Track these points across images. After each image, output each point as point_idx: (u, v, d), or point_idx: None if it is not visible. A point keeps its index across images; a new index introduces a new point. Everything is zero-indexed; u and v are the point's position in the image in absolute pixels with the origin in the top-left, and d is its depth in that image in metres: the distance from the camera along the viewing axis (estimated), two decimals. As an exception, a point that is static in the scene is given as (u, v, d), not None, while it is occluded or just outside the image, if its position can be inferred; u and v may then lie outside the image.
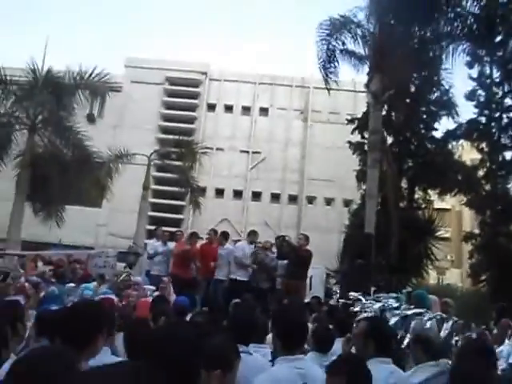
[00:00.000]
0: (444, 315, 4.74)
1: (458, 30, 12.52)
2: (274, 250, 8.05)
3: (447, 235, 20.18)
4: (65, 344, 1.83)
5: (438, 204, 17.96)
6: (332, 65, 12.31)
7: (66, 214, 15.64)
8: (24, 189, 13.91)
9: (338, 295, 6.78)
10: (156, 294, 6.88)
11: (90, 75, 14.64)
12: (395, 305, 4.49)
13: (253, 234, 8.66)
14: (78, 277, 8.86)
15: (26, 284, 6.70)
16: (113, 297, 5.36)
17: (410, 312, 3.94)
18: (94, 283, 7.68)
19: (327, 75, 12.34)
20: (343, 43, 12.29)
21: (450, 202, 24.77)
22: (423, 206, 15.62)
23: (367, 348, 2.73)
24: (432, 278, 22.58)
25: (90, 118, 24.10)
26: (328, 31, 11.97)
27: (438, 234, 14.27)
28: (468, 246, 22.84)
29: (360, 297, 4.62)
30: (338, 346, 3.13)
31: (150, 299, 5.32)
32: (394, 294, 5.96)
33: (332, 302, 6.61)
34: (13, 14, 51.70)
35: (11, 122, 14.18)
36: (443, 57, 14.19)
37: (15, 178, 14.15)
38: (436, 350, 2.57)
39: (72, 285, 7.97)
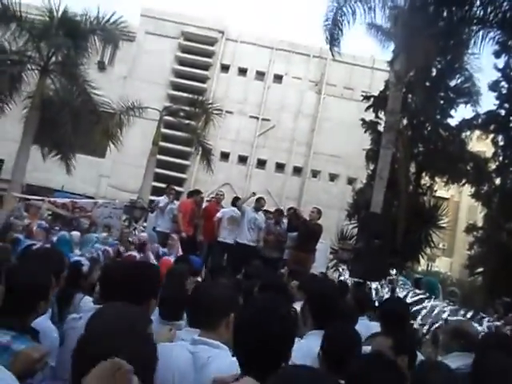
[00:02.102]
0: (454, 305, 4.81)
1: (490, 16, 12.12)
2: (284, 220, 8.04)
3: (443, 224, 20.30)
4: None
5: (439, 192, 17.95)
6: (337, 31, 11.87)
7: (71, 162, 15.54)
8: (31, 131, 13.73)
9: (347, 273, 6.83)
10: (163, 250, 6.93)
11: (108, 21, 14.20)
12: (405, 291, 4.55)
13: (260, 201, 8.60)
14: (83, 224, 8.89)
15: (35, 228, 6.69)
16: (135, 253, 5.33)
17: (437, 303, 3.95)
18: (103, 234, 7.67)
19: (331, 41, 11.90)
20: (353, 12, 11.79)
21: (449, 191, 24.82)
22: (427, 192, 15.59)
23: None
24: (421, 263, 22.88)
25: (101, 66, 23.68)
26: None
27: (439, 222, 14.31)
28: (461, 237, 23.04)
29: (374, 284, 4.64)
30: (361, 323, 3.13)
31: (171, 258, 5.30)
32: (403, 278, 6.03)
33: (342, 278, 6.67)
34: None
35: (23, 60, 13.83)
36: (471, 42, 13.82)
37: (23, 120, 13.95)
38: (473, 344, 2.57)
39: (77, 233, 7.98)
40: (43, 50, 13.66)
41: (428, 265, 27.86)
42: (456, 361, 2.37)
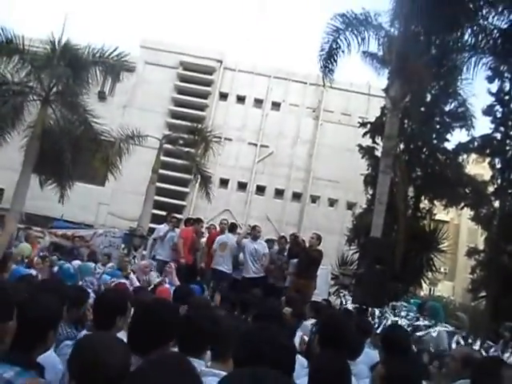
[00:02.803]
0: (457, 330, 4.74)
1: (481, 43, 12.44)
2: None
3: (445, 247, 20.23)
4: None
5: (438, 215, 17.96)
6: (331, 61, 12.16)
7: (68, 191, 15.57)
8: (32, 160, 13.78)
9: (351, 299, 6.74)
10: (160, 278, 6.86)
11: (110, 54, 14.50)
12: (410, 316, 4.49)
13: (255, 228, 8.57)
14: (83, 253, 8.85)
15: (36, 258, 6.66)
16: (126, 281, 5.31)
17: (442, 328, 3.90)
18: (110, 264, 7.63)
19: (325, 70, 12.18)
20: (348, 43, 12.11)
21: (449, 214, 24.82)
22: (426, 216, 15.60)
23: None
24: (423, 288, 22.67)
25: (101, 96, 24.05)
26: (339, 25, 11.82)
27: (440, 246, 14.26)
28: (463, 261, 22.89)
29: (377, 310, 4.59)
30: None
31: (167, 286, 5.26)
32: (406, 304, 5.96)
33: (349, 306, 6.58)
34: (30, -17, 51.11)
35: (25, 91, 14.03)
36: (464, 68, 14.12)
37: (24, 149, 14.04)
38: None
39: (78, 262, 7.93)
40: (44, 80, 13.88)
41: (430, 289, 27.59)
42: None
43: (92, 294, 3.46)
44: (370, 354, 3.25)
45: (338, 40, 12.14)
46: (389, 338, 3.02)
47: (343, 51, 12.24)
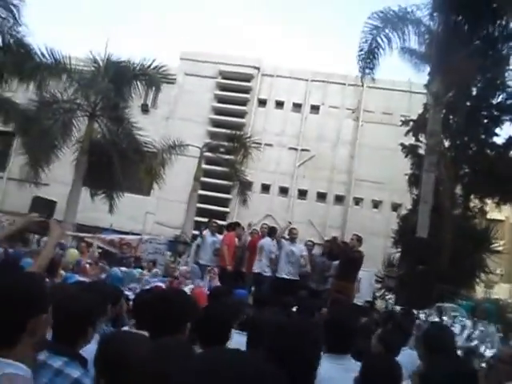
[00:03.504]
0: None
1: (529, 29, 11.87)
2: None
3: (499, 248, 19.26)
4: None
5: (491, 214, 17.11)
6: (372, 60, 11.92)
7: (117, 201, 16.25)
8: (81, 173, 14.56)
9: (394, 301, 6.58)
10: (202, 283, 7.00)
11: (149, 66, 15.08)
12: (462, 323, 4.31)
13: (292, 231, 8.58)
14: (130, 261, 9.18)
15: (87, 265, 6.98)
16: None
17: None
18: (155, 270, 7.88)
19: (364, 70, 11.95)
20: (389, 40, 11.84)
21: (504, 213, 23.55)
22: (477, 215, 14.92)
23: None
24: (478, 290, 21.63)
25: (144, 108, 24.93)
26: (377, 24, 11.60)
27: (493, 246, 13.59)
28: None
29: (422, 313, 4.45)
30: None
31: (205, 289, 5.37)
32: (453, 306, 5.74)
33: (390, 308, 6.44)
34: (79, 8, 53.85)
35: (73, 108, 14.86)
36: (509, 58, 13.49)
37: (74, 163, 14.84)
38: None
39: (124, 269, 8.23)
40: (90, 96, 14.63)
41: (486, 292, 26.26)
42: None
43: (131, 296, 3.61)
44: (411, 355, 3.17)
45: (378, 38, 11.96)
46: (430, 337, 2.93)
47: (384, 49, 12.05)
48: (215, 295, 4.15)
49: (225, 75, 26.20)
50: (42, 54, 13.88)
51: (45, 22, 31.76)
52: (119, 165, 14.55)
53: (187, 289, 6.09)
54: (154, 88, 16.39)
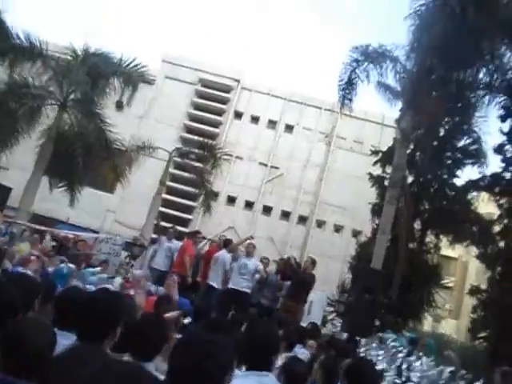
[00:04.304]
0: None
1: (496, 82, 12.48)
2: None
3: (450, 284, 19.89)
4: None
5: (445, 251, 17.72)
6: (350, 91, 12.32)
7: (78, 195, 15.78)
8: (44, 162, 14.07)
9: (340, 327, 6.66)
10: (161, 289, 6.85)
11: (129, 64, 14.88)
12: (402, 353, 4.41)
13: (249, 246, 8.56)
14: (81, 258, 8.89)
15: (32, 257, 6.72)
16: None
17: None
18: (98, 268, 7.66)
19: (343, 99, 12.35)
20: (367, 74, 12.30)
21: (457, 251, 24.45)
22: (432, 250, 15.41)
23: None
24: (426, 324, 22.21)
25: (119, 105, 24.49)
26: (357, 57, 12.02)
27: (442, 282, 14.05)
28: (469, 299, 22.48)
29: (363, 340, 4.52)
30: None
31: (155, 297, 5.26)
32: (394, 336, 5.87)
33: (334, 332, 6.51)
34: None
35: (44, 95, 14.42)
36: (477, 106, 14.14)
37: (37, 150, 14.34)
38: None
39: (72, 266, 7.96)
40: (63, 86, 14.25)
41: (433, 326, 26.98)
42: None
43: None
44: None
45: (357, 71, 12.33)
46: (353, 373, 2.91)
47: (362, 81, 12.43)
48: (157, 304, 4.08)
49: (204, 83, 26.23)
50: (18, 36, 13.47)
51: (24, 6, 30.92)
52: (84, 159, 14.17)
53: (143, 296, 5.95)
54: (131, 86, 16.15)
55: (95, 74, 14.46)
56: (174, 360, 1.53)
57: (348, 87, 12.33)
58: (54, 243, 10.76)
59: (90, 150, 14.30)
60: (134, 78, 15.19)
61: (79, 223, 20.09)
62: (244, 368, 2.62)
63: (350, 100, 12.47)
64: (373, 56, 12.42)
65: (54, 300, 2.53)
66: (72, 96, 14.49)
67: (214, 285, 7.96)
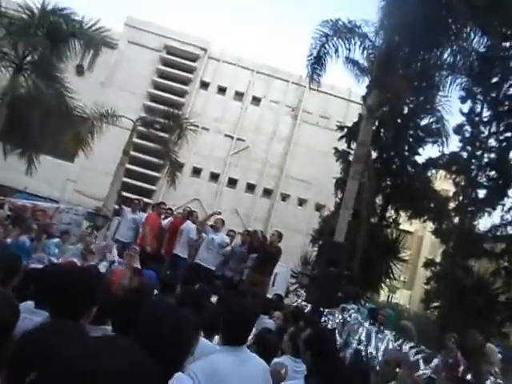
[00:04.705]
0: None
1: (459, 64, 12.78)
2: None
3: (406, 257, 20.76)
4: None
5: (403, 226, 18.42)
6: (319, 66, 12.33)
7: (35, 163, 15.14)
8: (-2, 127, 13.34)
9: (304, 298, 6.85)
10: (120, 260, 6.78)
11: (90, 26, 14.13)
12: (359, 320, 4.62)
13: (217, 222, 8.61)
14: (41, 229, 8.60)
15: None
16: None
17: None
18: (57, 239, 7.45)
19: (312, 74, 12.36)
20: (336, 49, 12.31)
21: (414, 225, 25.48)
22: (392, 225, 15.96)
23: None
24: (381, 294, 23.21)
25: (79, 70, 23.40)
26: (327, 31, 11.97)
27: (401, 255, 14.65)
28: (423, 271, 23.69)
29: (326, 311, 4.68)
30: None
31: (123, 268, 5.20)
32: (356, 307, 6.11)
33: (298, 303, 6.70)
34: None
35: (-3, 56, 13.53)
36: (441, 86, 14.47)
37: (-9, 115, 13.55)
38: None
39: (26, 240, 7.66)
40: (20, 47, 13.41)
41: (388, 296, 28.30)
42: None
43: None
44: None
45: (326, 45, 12.26)
46: (313, 342, 3.01)
47: (331, 56, 12.39)
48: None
49: (170, 50, 25.40)
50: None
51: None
52: (41, 125, 13.53)
53: (103, 266, 5.87)
54: (92, 50, 15.39)
55: (54, 36, 13.66)
56: (141, 334, 1.52)
57: (317, 62, 12.29)
58: (9, 213, 10.33)
59: (49, 115, 13.66)
60: (95, 41, 14.47)
61: (38, 192, 19.35)
62: (216, 338, 2.65)
63: (319, 75, 12.45)
64: (342, 31, 12.38)
65: (20, 273, 2.44)
66: (29, 58, 13.66)
67: (181, 255, 7.97)
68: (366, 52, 13.05)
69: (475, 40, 12.76)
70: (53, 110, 13.64)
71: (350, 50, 12.64)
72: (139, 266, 6.32)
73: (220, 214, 8.50)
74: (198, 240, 8.08)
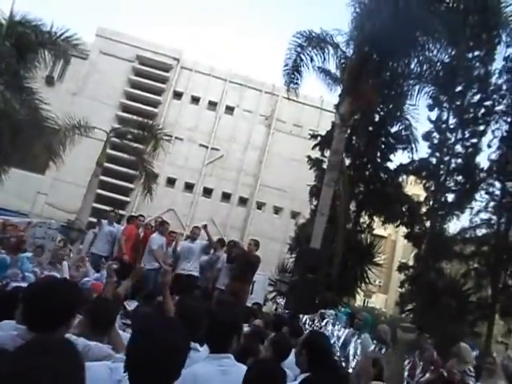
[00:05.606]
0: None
1: (426, 73, 13.25)
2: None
3: (380, 261, 21.11)
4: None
5: (377, 230, 18.79)
6: (296, 75, 12.57)
7: (3, 176, 14.73)
8: (-36, 140, 12.93)
9: (284, 305, 6.90)
10: (98, 275, 6.67)
11: (60, 36, 13.92)
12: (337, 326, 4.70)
13: (194, 230, 8.65)
14: (14, 244, 8.36)
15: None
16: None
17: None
18: (30, 254, 7.27)
19: (289, 84, 12.59)
20: (311, 59, 12.59)
21: (387, 230, 26.03)
22: (366, 230, 16.25)
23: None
24: (357, 299, 23.50)
25: (49, 81, 22.98)
26: (302, 42, 12.23)
27: (375, 259, 14.90)
28: (397, 275, 24.17)
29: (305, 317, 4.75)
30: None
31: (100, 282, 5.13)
32: (334, 312, 6.20)
33: (279, 311, 6.73)
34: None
35: (-38, 67, 13.16)
36: (409, 94, 14.93)
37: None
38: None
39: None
40: (-14, 58, 13.08)
41: (364, 300, 28.69)
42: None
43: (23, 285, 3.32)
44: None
45: (302, 56, 12.51)
46: (312, 343, 3.11)
47: (307, 66, 12.65)
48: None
49: (142, 61, 25.28)
50: None
51: None
52: (10, 137, 13.17)
53: (85, 281, 5.77)
54: (62, 60, 15.15)
55: (22, 46, 13.38)
56: (134, 349, 1.53)
57: (293, 72, 12.51)
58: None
59: (18, 127, 13.33)
60: (65, 51, 14.24)
61: (7, 206, 18.75)
62: (201, 347, 2.67)
63: (296, 84, 12.68)
64: (316, 42, 12.65)
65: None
66: (-4, 69, 13.34)
67: (149, 266, 7.87)
68: (338, 61, 13.39)
69: (440, 51, 13.29)
70: (22, 122, 13.33)
71: (324, 59, 12.95)
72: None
73: (206, 226, 8.47)
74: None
